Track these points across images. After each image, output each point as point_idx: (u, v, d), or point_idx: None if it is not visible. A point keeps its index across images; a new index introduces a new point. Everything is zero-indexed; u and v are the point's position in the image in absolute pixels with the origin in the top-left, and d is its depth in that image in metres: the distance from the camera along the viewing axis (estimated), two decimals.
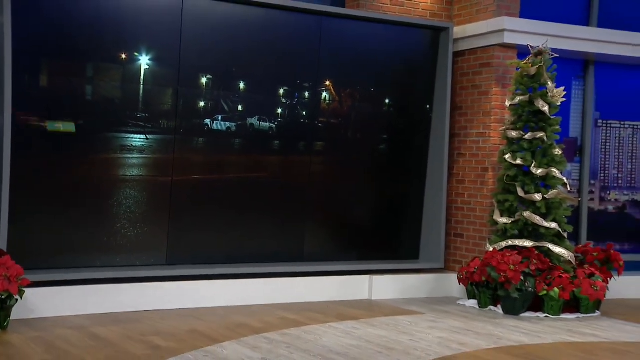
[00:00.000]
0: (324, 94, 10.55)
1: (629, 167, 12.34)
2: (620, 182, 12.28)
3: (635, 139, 12.34)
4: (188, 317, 8.80)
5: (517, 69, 10.28)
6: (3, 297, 7.76)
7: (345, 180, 10.88)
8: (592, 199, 12.00)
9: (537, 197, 9.87)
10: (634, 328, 9.25)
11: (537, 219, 9.86)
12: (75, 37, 9.07)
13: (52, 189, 9.12)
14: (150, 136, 9.57)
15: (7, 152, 8.43)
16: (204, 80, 9.82)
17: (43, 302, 8.59)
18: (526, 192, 9.96)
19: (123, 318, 8.62)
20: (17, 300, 7.94)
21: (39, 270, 8.67)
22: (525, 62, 10.15)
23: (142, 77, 9.43)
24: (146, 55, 9.42)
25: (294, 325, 8.51)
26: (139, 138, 9.53)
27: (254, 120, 10.20)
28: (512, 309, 9.63)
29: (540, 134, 9.99)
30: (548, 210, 9.96)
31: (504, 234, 10.11)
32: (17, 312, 8.26)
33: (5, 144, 8.42)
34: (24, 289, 7.98)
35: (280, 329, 8.31)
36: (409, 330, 8.45)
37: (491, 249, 9.96)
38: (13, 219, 8.60)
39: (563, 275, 9.61)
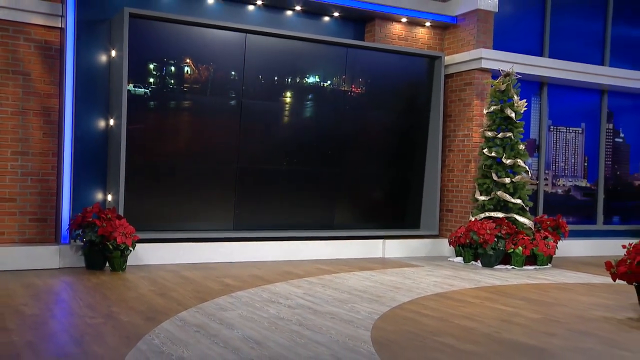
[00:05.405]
0: (348, 105, 10.59)
1: (573, 161, 12.48)
2: (566, 172, 12.41)
3: (577, 141, 12.47)
4: (249, 267, 8.99)
5: (492, 86, 10.36)
6: (122, 248, 8.11)
7: (366, 169, 10.94)
8: (546, 184, 12.13)
9: (507, 180, 9.99)
10: (575, 275, 9.45)
11: (507, 197, 9.97)
12: (170, 65, 9.30)
13: (156, 175, 9.39)
14: (222, 134, 9.75)
15: (123, 149, 8.72)
16: (260, 93, 9.93)
17: (148, 254, 8.89)
18: (499, 177, 10.07)
19: (202, 266, 8.87)
20: (130, 250, 8.27)
21: (145, 231, 8.97)
22: (497, 81, 10.24)
23: (217, 91, 9.62)
24: (220, 75, 9.62)
25: (327, 273, 8.67)
26: (216, 136, 9.72)
27: (298, 123, 10.28)
28: (488, 263, 9.78)
29: (509, 134, 10.09)
30: (515, 190, 10.08)
31: (482, 208, 10.22)
32: (131, 260, 8.63)
33: (122, 143, 8.71)
34: (135, 243, 8.30)
35: (316, 275, 8.47)
36: (412, 277, 8.61)
37: (473, 219, 10.11)
38: (128, 195, 8.90)
39: (525, 238, 9.76)
